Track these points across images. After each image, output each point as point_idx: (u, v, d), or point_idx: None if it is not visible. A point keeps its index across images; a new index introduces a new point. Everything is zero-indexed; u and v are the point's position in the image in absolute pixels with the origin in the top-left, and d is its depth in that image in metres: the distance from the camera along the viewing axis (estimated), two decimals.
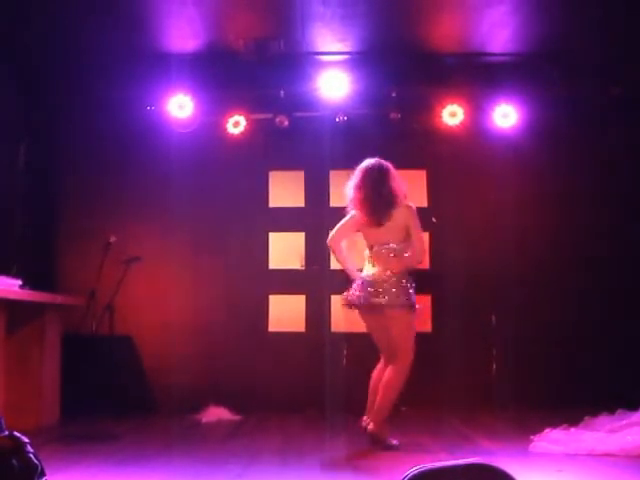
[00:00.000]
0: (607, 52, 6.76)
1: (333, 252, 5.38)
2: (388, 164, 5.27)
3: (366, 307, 5.14)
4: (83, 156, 7.74)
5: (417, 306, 5.14)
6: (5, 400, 5.24)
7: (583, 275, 7.42)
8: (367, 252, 5.27)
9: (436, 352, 7.18)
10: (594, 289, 7.40)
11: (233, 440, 5.67)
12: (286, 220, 7.79)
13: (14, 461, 2.93)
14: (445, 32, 6.79)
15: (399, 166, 5.42)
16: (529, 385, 7.11)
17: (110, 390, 6.63)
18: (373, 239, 5.22)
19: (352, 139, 7.29)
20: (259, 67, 6.98)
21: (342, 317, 7.31)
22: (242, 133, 7.51)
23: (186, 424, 6.37)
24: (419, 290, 5.28)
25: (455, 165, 7.56)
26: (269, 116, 7.41)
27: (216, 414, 6.65)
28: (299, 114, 7.45)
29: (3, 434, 3.00)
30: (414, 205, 5.25)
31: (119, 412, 6.50)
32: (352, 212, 5.28)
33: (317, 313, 7.58)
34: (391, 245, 5.13)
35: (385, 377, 5.09)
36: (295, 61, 7.15)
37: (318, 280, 7.59)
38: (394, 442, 5.03)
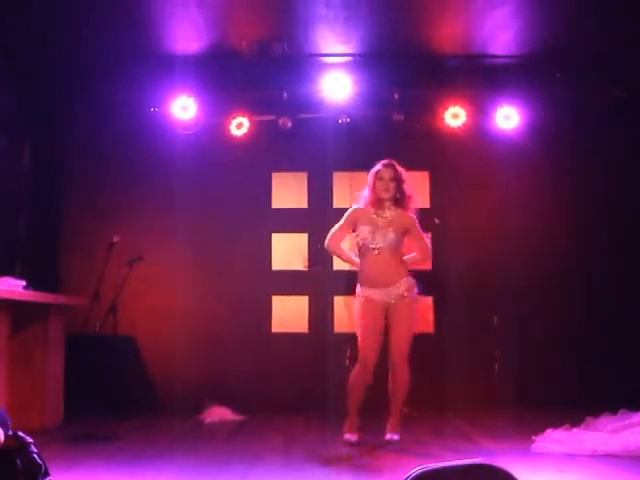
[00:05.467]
0: (608, 53, 6.77)
1: None
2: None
3: None
4: (87, 157, 7.77)
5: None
6: (9, 400, 5.26)
7: (585, 275, 7.43)
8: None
9: (438, 353, 7.21)
10: (596, 289, 7.42)
11: (236, 440, 5.68)
12: (289, 221, 7.81)
13: (18, 461, 2.95)
14: (447, 34, 6.80)
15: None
16: (531, 385, 7.13)
17: (113, 390, 6.65)
18: None
19: (355, 141, 7.32)
20: (262, 69, 7.01)
21: (345, 318, 7.34)
22: (245, 134, 7.53)
23: (189, 424, 6.38)
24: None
25: (457, 166, 7.58)
26: (272, 118, 7.43)
27: (219, 414, 6.66)
28: (302, 116, 7.46)
29: (8, 434, 3.01)
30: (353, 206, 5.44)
31: (122, 412, 6.51)
32: None
33: (320, 314, 7.59)
34: None
35: None
36: (298, 63, 7.17)
37: (321, 281, 7.61)
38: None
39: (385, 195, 5.28)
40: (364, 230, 5.23)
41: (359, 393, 5.23)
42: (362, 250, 5.28)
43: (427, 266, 5.49)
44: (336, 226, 5.39)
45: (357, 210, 5.35)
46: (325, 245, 5.45)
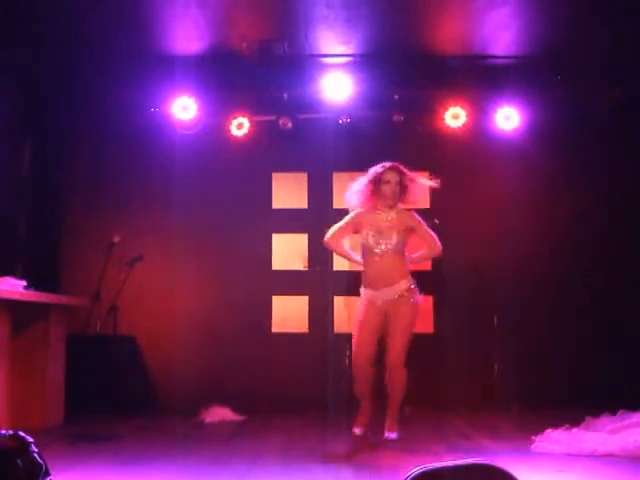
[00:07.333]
0: (609, 53, 6.77)
1: None
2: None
3: None
4: (87, 157, 7.78)
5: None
6: (10, 400, 5.27)
7: (585, 276, 7.43)
8: None
9: (438, 353, 7.20)
10: (595, 290, 7.41)
11: (236, 440, 5.68)
12: (289, 221, 7.82)
13: (19, 461, 2.94)
14: (448, 34, 6.80)
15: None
16: (531, 385, 7.12)
17: (114, 390, 6.66)
18: None
19: (355, 141, 7.32)
20: (262, 69, 7.00)
21: (345, 318, 7.34)
22: (245, 135, 7.53)
23: (189, 424, 6.38)
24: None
25: (457, 167, 7.57)
26: (272, 118, 7.43)
27: (219, 414, 6.66)
28: (302, 116, 7.47)
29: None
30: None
31: (123, 412, 6.52)
32: None
33: (320, 314, 7.60)
34: None
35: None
36: (298, 63, 7.17)
37: (321, 281, 7.61)
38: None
39: (391, 200, 5.29)
40: (368, 235, 5.25)
41: (359, 388, 5.31)
42: (365, 252, 5.30)
43: (437, 254, 5.48)
44: (337, 225, 5.43)
45: (360, 214, 5.36)
46: (325, 240, 5.49)
